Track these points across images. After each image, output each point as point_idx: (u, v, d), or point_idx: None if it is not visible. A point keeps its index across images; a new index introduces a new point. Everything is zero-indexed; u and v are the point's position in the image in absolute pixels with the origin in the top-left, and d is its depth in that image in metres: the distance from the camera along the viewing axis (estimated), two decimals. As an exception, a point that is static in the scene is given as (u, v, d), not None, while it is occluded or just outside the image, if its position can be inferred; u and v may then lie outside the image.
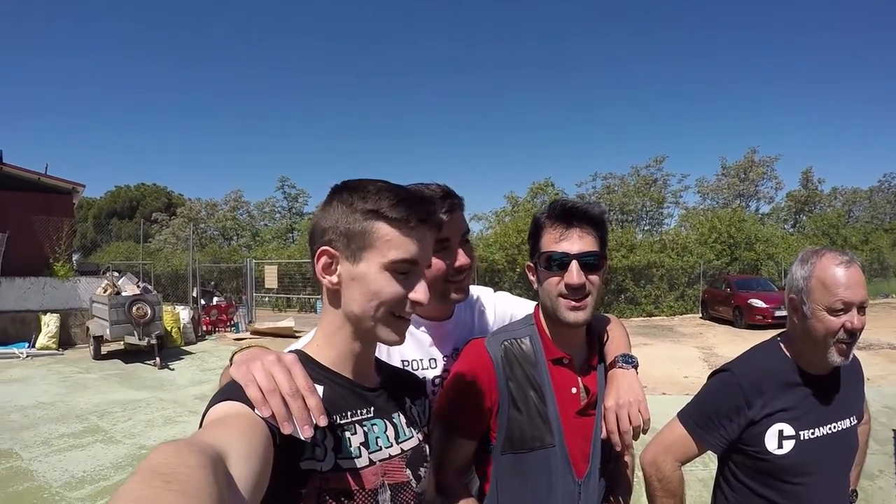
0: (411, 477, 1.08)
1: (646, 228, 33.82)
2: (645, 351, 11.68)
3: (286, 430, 0.83)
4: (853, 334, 1.52)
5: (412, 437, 1.12)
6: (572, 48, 75.95)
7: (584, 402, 1.41)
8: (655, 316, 21.13)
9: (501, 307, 1.69)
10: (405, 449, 1.09)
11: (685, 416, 1.72)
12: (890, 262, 27.90)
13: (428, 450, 1.18)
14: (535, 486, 1.27)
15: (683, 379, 9.18)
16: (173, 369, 10.73)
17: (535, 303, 1.57)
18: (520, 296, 1.77)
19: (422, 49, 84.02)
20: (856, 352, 1.61)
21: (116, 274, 13.98)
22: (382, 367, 1.19)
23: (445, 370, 1.52)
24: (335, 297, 1.04)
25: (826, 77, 59.67)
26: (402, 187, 1.05)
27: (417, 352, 1.51)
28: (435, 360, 1.52)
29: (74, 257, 18.15)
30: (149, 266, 25.85)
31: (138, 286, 12.40)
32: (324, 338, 1.08)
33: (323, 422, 0.87)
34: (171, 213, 44.18)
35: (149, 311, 11.32)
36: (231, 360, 1.02)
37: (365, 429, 1.03)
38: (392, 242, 0.99)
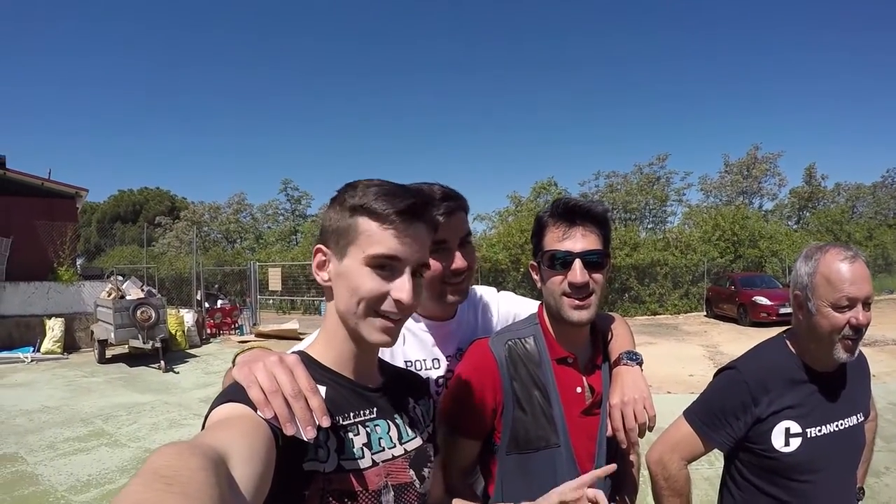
0: (415, 478, 1.07)
1: (649, 227, 33.74)
2: (649, 350, 11.64)
3: (289, 431, 0.83)
4: (859, 330, 1.51)
5: (415, 437, 1.11)
6: (574, 47, 76.03)
7: (588, 402, 1.40)
8: (660, 314, 21.08)
9: (505, 307, 1.69)
10: (408, 450, 1.08)
11: (691, 414, 1.71)
12: (894, 258, 27.79)
13: (432, 450, 1.17)
14: (541, 487, 1.26)
15: (688, 377, 9.16)
16: (178, 372, 10.75)
17: (539, 302, 1.56)
18: (523, 295, 1.76)
19: (423, 49, 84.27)
20: (861, 348, 1.60)
21: (120, 278, 14.04)
22: (385, 367, 1.18)
23: (449, 370, 1.51)
24: (331, 295, 1.04)
25: (828, 73, 59.56)
26: (394, 184, 1.03)
27: (420, 352, 1.50)
28: (438, 360, 1.52)
29: (78, 262, 18.26)
30: (153, 270, 25.95)
31: (142, 290, 12.42)
32: (325, 338, 1.08)
33: (326, 423, 0.86)
34: (174, 216, 44.29)
35: (153, 315, 11.34)
36: (233, 361, 1.02)
37: (368, 430, 1.03)
38: (372, 237, 0.98)
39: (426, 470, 1.11)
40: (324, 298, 1.23)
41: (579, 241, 1.34)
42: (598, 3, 76.40)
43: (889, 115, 55.78)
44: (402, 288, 0.98)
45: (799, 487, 1.58)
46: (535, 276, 1.46)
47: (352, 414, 1.01)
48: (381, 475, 1.00)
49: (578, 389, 1.41)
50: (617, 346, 1.48)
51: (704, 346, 13.04)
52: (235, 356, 1.04)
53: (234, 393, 0.87)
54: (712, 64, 65.54)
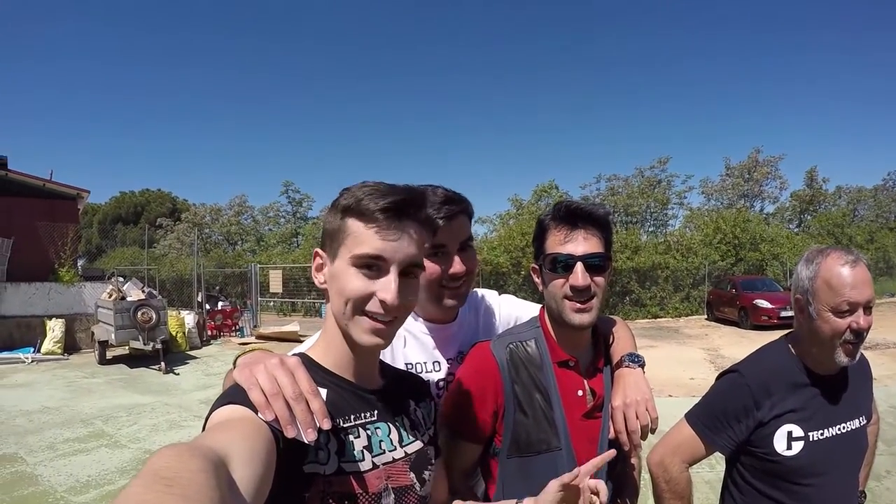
0: (415, 480, 1.07)
1: (650, 230, 33.74)
2: (650, 353, 11.58)
3: (289, 433, 0.83)
4: (860, 334, 1.51)
5: (416, 440, 1.11)
6: (575, 50, 76.01)
7: (590, 405, 1.40)
8: (660, 318, 21.05)
9: (506, 310, 1.68)
10: (409, 452, 1.08)
11: (693, 416, 1.71)
12: (896, 261, 27.79)
13: (433, 453, 1.17)
14: (542, 490, 1.25)
15: (689, 381, 9.16)
16: (178, 374, 10.75)
17: (541, 305, 1.56)
18: (524, 299, 1.76)
19: (424, 52, 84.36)
20: (862, 351, 1.60)
21: (121, 279, 14.06)
22: (386, 369, 1.18)
23: (450, 373, 1.51)
24: (328, 298, 1.04)
25: (830, 76, 59.72)
26: (387, 185, 1.02)
27: (421, 354, 1.50)
28: (439, 362, 1.51)
29: (79, 263, 18.28)
30: (154, 271, 25.99)
31: (143, 291, 12.42)
32: (325, 341, 1.08)
33: (326, 425, 0.86)
34: (175, 218, 44.31)
35: (154, 316, 11.33)
36: (234, 363, 1.02)
37: (368, 432, 1.02)
38: (358, 237, 0.98)
39: (427, 473, 1.11)
40: (324, 301, 1.23)
41: (581, 244, 1.33)
42: (598, 6, 76.57)
43: (890, 117, 55.72)
44: (386, 288, 0.97)
45: (801, 491, 1.58)
46: (537, 279, 1.46)
47: (352, 416, 1.01)
48: (381, 478, 1.00)
49: (580, 393, 1.41)
50: (619, 349, 1.48)
51: (705, 350, 13.03)
52: (236, 358, 1.04)
53: (234, 395, 0.87)
54: (713, 66, 65.64)
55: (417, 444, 1.11)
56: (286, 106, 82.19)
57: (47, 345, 12.98)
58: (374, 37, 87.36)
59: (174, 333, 13.06)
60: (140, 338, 11.09)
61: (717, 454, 1.71)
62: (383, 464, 1.02)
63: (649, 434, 1.34)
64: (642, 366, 1.42)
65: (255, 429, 0.80)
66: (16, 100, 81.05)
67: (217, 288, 24.20)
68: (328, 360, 1.05)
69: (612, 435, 1.37)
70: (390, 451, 1.04)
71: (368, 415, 1.04)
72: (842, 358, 1.54)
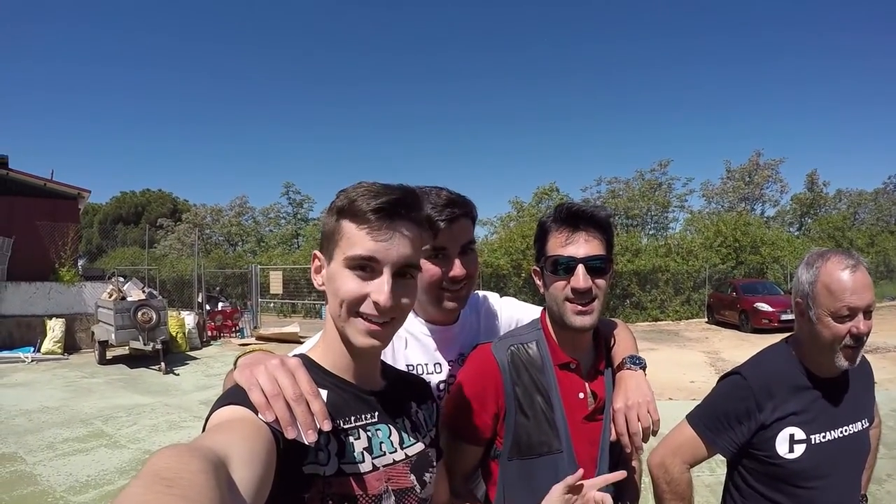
0: (416, 482, 1.06)
1: (651, 233, 33.70)
2: (651, 356, 11.48)
3: (290, 434, 0.83)
4: (860, 339, 1.51)
5: (417, 442, 1.11)
6: (576, 53, 76.12)
7: (591, 407, 1.40)
8: (661, 321, 21.04)
9: (507, 312, 1.68)
10: (410, 454, 1.07)
11: (694, 418, 1.70)
12: (896, 265, 27.76)
13: (434, 455, 1.16)
14: (543, 492, 1.25)
15: (690, 384, 9.14)
16: (178, 374, 10.75)
17: (542, 307, 1.55)
18: (525, 301, 1.76)
19: (425, 55, 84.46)
20: (864, 354, 1.60)
21: (122, 279, 14.05)
22: (388, 371, 1.18)
23: (451, 375, 1.50)
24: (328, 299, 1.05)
25: (830, 79, 59.65)
26: (382, 185, 1.01)
27: (422, 356, 1.50)
28: (440, 364, 1.51)
29: (80, 262, 18.27)
30: (154, 271, 26.00)
31: (143, 291, 12.43)
32: (325, 342, 1.08)
33: (327, 426, 0.86)
34: (176, 218, 44.37)
35: (154, 317, 11.34)
36: (235, 363, 1.02)
37: (369, 434, 1.02)
38: (351, 239, 0.97)
39: (427, 475, 1.10)
40: (324, 302, 1.23)
41: (582, 246, 1.33)
42: (599, 9, 76.67)
43: (891, 121, 55.83)
44: (379, 289, 0.96)
45: (804, 494, 1.58)
46: (538, 281, 1.46)
47: (353, 418, 1.01)
48: (381, 479, 1.00)
49: (581, 395, 1.40)
50: (620, 351, 1.48)
51: (706, 353, 13.02)
52: (237, 359, 1.04)
53: (235, 395, 0.87)
54: (714, 69, 65.74)
55: (418, 447, 1.10)
56: (287, 107, 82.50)
57: (47, 344, 12.98)
58: (375, 40, 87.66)
59: (174, 334, 13.07)
60: (140, 338, 11.10)
61: (719, 457, 1.70)
62: (383, 465, 1.01)
63: (650, 436, 1.34)
64: (644, 368, 1.42)
65: (256, 430, 0.80)
66: (17, 100, 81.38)
67: (217, 289, 24.17)
68: (328, 361, 1.05)
69: (613, 437, 1.36)
70: (391, 453, 1.04)
71: (369, 416, 1.04)
72: (842, 362, 1.54)
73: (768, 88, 65.23)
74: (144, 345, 11.08)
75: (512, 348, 1.43)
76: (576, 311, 1.33)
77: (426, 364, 1.50)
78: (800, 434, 1.57)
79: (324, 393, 0.91)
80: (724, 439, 1.64)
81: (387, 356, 1.29)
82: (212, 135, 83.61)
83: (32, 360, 12.19)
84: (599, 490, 1.23)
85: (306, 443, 0.84)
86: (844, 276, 1.49)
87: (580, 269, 1.32)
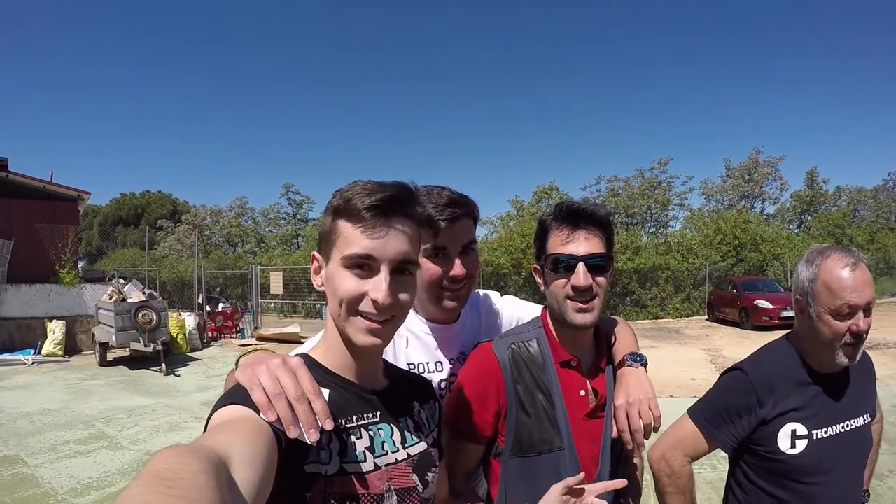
0: (418, 482, 1.06)
1: (651, 231, 33.73)
2: (651, 353, 11.42)
3: (292, 434, 0.82)
4: (859, 336, 1.51)
5: (420, 441, 1.11)
6: (576, 53, 76.07)
7: (592, 405, 1.40)
8: (661, 318, 21.05)
9: (508, 310, 1.68)
10: (412, 454, 1.07)
11: (695, 412, 1.70)
12: (896, 261, 27.76)
13: (436, 455, 1.16)
14: (544, 490, 1.25)
15: (690, 381, 9.15)
16: (179, 376, 10.75)
17: (542, 306, 1.55)
18: (525, 300, 1.76)
19: (424, 55, 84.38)
20: (865, 349, 1.60)
21: (122, 281, 14.03)
22: (391, 370, 1.18)
23: (452, 373, 1.50)
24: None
25: (830, 78, 59.56)
26: (377, 183, 1.00)
27: (424, 355, 1.50)
28: (441, 363, 1.51)
29: (80, 264, 18.26)
30: (154, 273, 25.98)
31: (144, 293, 12.43)
32: (326, 342, 1.07)
33: (329, 426, 0.86)
34: (176, 220, 44.34)
35: (154, 318, 11.33)
36: (236, 363, 1.02)
37: (371, 433, 1.02)
38: (347, 238, 0.97)
39: (430, 475, 1.10)
40: (325, 302, 1.23)
41: (582, 244, 1.33)
42: (599, 9, 76.62)
43: (891, 118, 55.80)
44: (377, 287, 0.96)
45: (806, 490, 1.58)
46: (539, 280, 1.46)
47: (355, 417, 1.01)
48: (383, 479, 1.00)
49: (582, 392, 1.40)
50: (621, 349, 1.48)
51: (706, 350, 13.03)
52: (239, 358, 1.04)
53: (236, 395, 0.87)
54: (714, 68, 65.71)
55: (421, 446, 1.10)
56: (287, 107, 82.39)
57: (48, 346, 12.97)
58: (375, 40, 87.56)
59: (175, 335, 13.06)
60: (141, 339, 11.09)
61: (720, 454, 1.70)
62: (385, 465, 1.01)
63: (652, 433, 1.34)
64: (645, 365, 1.42)
65: (257, 429, 0.80)
66: (16, 101, 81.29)
67: (218, 289, 24.16)
68: (330, 360, 1.05)
69: (614, 434, 1.36)
70: (393, 453, 1.04)
71: (371, 415, 1.04)
72: (842, 359, 1.54)
73: (768, 87, 65.44)
74: (145, 346, 11.07)
75: (513, 346, 1.43)
76: (576, 309, 1.33)
77: (427, 362, 1.50)
78: (801, 429, 1.57)
79: (326, 392, 0.91)
80: (724, 434, 1.64)
81: (388, 355, 1.29)
82: (212, 135, 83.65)
83: (33, 363, 12.18)
84: (598, 497, 1.23)
85: (308, 442, 0.84)
86: (844, 274, 1.49)
87: (581, 267, 1.32)
